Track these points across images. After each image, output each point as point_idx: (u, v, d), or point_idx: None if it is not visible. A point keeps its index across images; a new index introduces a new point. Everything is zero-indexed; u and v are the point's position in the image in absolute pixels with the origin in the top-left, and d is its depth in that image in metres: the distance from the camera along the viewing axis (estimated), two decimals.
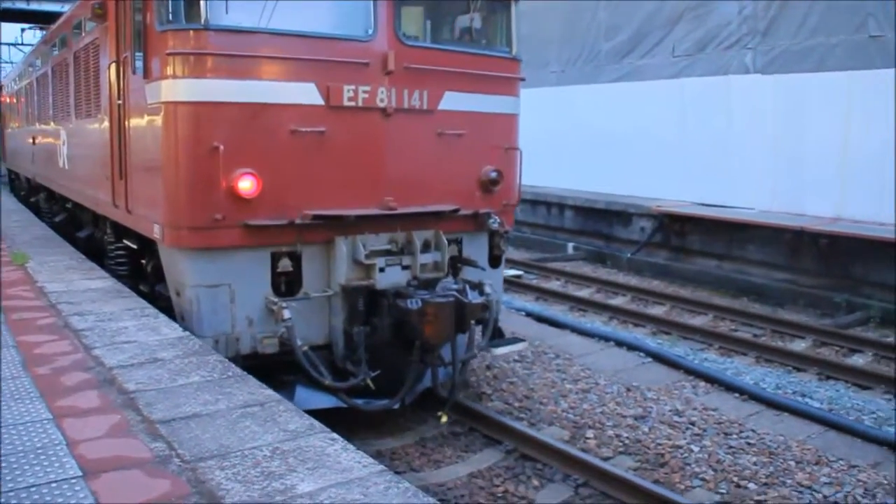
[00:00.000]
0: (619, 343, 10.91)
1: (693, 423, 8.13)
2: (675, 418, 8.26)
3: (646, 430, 7.94)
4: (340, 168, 6.81)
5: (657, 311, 13.61)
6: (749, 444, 7.69)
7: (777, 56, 16.77)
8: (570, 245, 19.47)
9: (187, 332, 6.29)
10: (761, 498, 6.62)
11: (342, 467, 3.81)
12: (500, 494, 6.65)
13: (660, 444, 7.59)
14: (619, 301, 14.36)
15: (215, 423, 4.33)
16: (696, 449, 7.52)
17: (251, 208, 6.40)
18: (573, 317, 12.89)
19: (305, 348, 6.59)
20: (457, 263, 7.76)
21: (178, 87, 6.36)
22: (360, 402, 7.05)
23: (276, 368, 6.69)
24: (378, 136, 6.97)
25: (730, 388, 9.27)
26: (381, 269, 6.86)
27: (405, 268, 7.03)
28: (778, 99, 16.44)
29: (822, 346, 11.49)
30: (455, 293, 6.92)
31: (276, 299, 6.68)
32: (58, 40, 12.33)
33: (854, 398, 9.16)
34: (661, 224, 17.50)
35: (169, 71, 6.39)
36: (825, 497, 6.66)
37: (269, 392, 4.93)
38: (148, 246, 7.76)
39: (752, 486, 6.83)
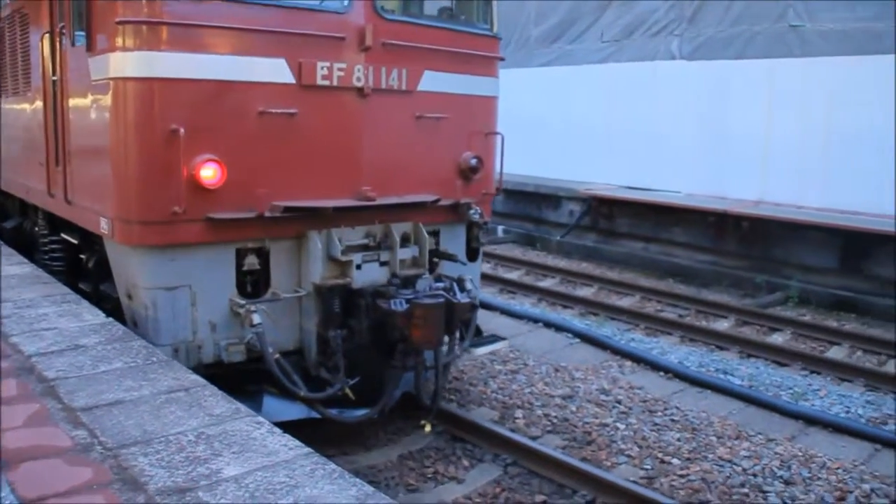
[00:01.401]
0: (548, 324, 11.06)
1: (619, 402, 8.32)
2: (602, 397, 8.43)
3: (573, 409, 8.09)
4: (313, 154, 6.19)
5: (585, 292, 13.83)
6: (673, 420, 7.91)
7: (702, 43, 17.14)
8: (500, 228, 19.61)
9: (111, 319, 6.07)
10: (684, 472, 6.82)
11: (268, 450, 3.79)
12: (430, 475, 6.70)
13: (587, 423, 7.75)
14: (548, 283, 14.54)
15: (139, 410, 4.26)
16: (622, 427, 7.70)
17: (214, 200, 5.72)
18: (503, 299, 13.00)
19: (277, 356, 6.03)
20: (434, 258, 7.20)
21: (128, 62, 5.58)
22: (335, 412, 6.51)
23: (238, 377, 6.05)
24: (354, 119, 6.37)
25: (655, 366, 9.52)
26: (358, 266, 6.29)
27: (383, 264, 6.49)
28: (702, 85, 16.81)
29: (743, 326, 11.87)
30: (443, 293, 6.47)
31: (242, 301, 6.00)
32: None
33: (773, 375, 9.49)
34: (589, 207, 17.75)
35: (118, 42, 5.59)
36: (744, 470, 6.89)
37: (195, 377, 4.86)
38: (88, 239, 7.01)
39: (675, 461, 7.03)
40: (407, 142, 6.79)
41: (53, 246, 8.08)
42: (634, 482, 6.52)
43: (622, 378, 9.14)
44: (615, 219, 17.25)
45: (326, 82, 6.16)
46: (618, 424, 7.75)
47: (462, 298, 6.59)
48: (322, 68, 6.12)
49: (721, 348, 10.65)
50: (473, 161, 7.21)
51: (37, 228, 8.75)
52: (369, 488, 3.46)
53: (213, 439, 3.90)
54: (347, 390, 6.31)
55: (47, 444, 3.80)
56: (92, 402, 4.33)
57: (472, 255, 7.69)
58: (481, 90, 7.41)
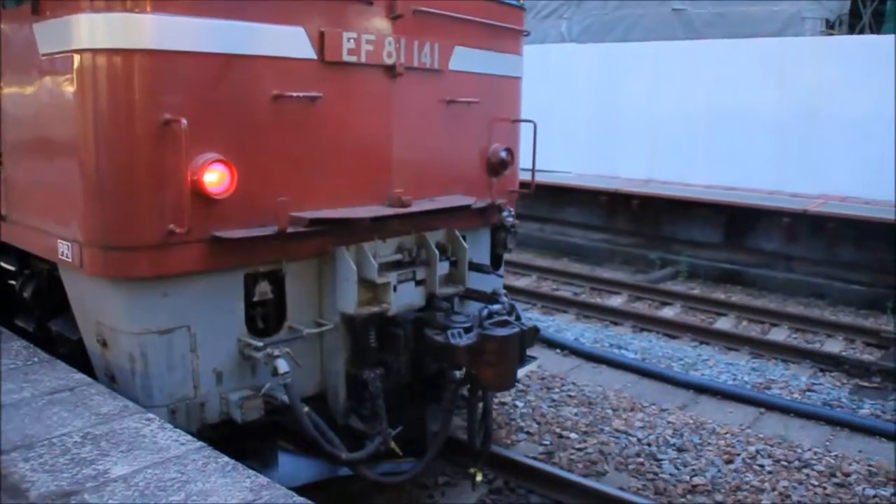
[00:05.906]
0: None
1: (517, 380, 8.41)
2: None
3: None
4: (337, 150, 5.00)
5: None
6: (570, 396, 8.08)
7: (589, 25, 17.48)
8: None
9: None
10: (582, 446, 6.98)
11: (158, 447, 3.68)
12: None
13: None
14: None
15: (19, 413, 4.05)
16: (520, 405, 7.81)
17: (220, 213, 4.42)
18: None
19: (306, 409, 4.73)
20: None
21: (99, 28, 4.17)
22: (376, 471, 5.35)
23: (235, 432, 4.80)
24: (383, 105, 5.24)
25: (552, 344, 9.69)
26: (394, 288, 5.12)
27: (419, 283, 5.34)
28: (592, 67, 17.14)
29: (636, 301, 12.22)
30: (510, 320, 5.30)
31: (259, 342, 4.67)
32: None
33: (665, 347, 9.82)
34: None
35: (83, 2, 4.18)
36: (639, 440, 7.10)
37: (80, 376, 4.63)
38: (24, 261, 5.52)
39: (573, 435, 7.18)
40: (436, 132, 5.73)
41: None
42: (534, 458, 6.63)
43: None
44: None
45: (353, 58, 4.99)
46: (517, 403, 7.85)
47: (528, 323, 5.51)
48: (348, 40, 4.94)
49: (615, 323, 10.94)
50: (504, 154, 6.25)
51: None
52: (264, 479, 3.39)
53: (100, 439, 3.75)
54: (392, 444, 5.19)
55: None
56: None
57: (496, 263, 6.69)
58: (508, 70, 6.38)
